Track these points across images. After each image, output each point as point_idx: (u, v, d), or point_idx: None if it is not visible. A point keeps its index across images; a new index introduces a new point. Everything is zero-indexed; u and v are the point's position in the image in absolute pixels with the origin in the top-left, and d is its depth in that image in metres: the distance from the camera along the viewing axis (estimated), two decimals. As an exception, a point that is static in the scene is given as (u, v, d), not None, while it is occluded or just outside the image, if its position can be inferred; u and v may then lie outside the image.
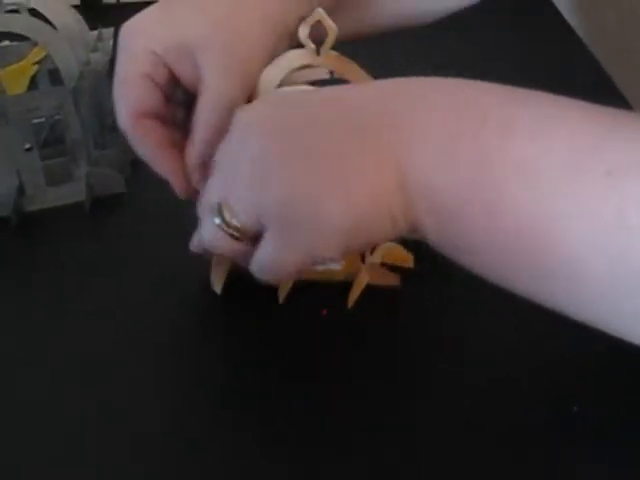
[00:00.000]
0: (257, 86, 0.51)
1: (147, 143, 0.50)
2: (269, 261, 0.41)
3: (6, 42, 0.72)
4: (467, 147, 0.37)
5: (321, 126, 0.39)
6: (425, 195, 0.38)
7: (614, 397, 0.49)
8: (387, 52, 0.73)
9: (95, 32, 0.72)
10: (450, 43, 0.85)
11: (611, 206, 0.35)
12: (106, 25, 0.73)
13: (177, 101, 0.52)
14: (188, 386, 0.51)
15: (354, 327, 0.54)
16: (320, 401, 0.49)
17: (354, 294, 0.55)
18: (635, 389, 0.49)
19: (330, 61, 0.52)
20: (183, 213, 0.56)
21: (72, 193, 0.66)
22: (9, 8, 0.67)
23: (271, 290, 0.54)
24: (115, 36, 0.72)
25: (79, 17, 0.69)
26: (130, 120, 0.49)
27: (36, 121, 0.67)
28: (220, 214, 0.40)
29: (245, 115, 0.42)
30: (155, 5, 0.51)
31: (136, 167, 0.68)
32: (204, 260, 0.57)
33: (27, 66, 0.70)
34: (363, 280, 0.54)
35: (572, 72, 0.84)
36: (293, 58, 0.52)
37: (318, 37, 0.51)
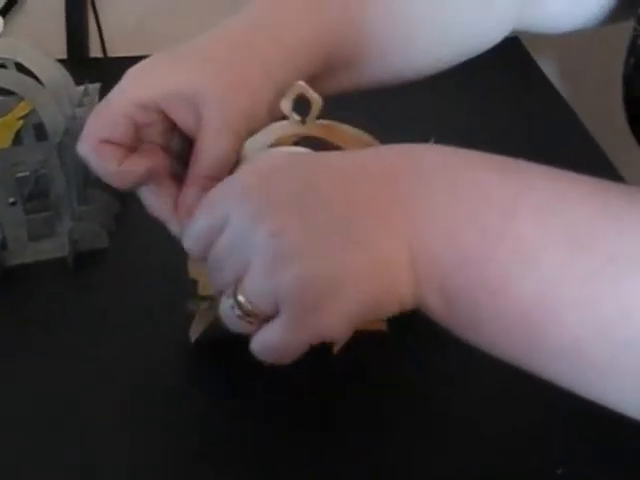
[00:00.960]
0: (241, 155, 0.50)
1: (108, 161, 0.49)
2: (275, 342, 0.40)
3: (-8, 96, 0.72)
4: (471, 230, 0.38)
5: (329, 204, 0.39)
6: (434, 274, 0.38)
7: (599, 461, 0.49)
8: (373, 108, 0.74)
9: (81, 87, 0.72)
10: (435, 100, 0.86)
11: (615, 300, 0.35)
12: (93, 80, 0.74)
13: (175, 150, 0.52)
14: (167, 431, 0.52)
15: (338, 373, 0.54)
16: (302, 448, 0.50)
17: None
18: (621, 453, 0.49)
19: (317, 130, 0.51)
20: (166, 268, 0.56)
21: (54, 248, 0.66)
22: (-5, 63, 0.68)
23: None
24: (101, 91, 0.72)
25: (65, 72, 0.69)
26: (89, 145, 0.49)
27: (20, 175, 0.67)
28: (234, 297, 0.40)
29: (249, 191, 0.41)
30: (159, 54, 0.52)
31: (119, 222, 0.68)
32: (187, 312, 0.56)
33: (12, 120, 0.71)
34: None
35: (555, 129, 0.85)
36: (277, 128, 0.51)
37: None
